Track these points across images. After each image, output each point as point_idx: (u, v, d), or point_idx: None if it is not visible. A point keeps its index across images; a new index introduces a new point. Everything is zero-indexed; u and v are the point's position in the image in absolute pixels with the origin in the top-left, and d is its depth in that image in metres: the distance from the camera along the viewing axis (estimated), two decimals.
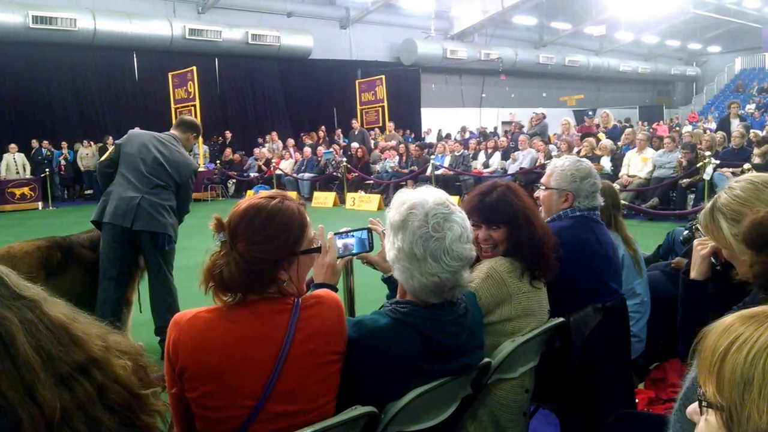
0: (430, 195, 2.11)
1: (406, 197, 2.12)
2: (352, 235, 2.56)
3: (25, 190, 17.93)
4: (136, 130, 5.52)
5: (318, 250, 2.09)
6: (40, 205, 17.96)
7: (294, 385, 1.87)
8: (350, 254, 2.56)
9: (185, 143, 5.54)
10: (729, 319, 1.12)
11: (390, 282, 2.56)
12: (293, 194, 2.22)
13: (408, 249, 2.03)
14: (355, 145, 18.21)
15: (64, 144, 19.99)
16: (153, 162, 5.15)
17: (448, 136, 24.14)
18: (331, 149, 19.73)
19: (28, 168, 18.84)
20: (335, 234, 2.51)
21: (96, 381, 1.38)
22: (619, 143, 14.23)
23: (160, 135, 5.37)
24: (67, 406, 1.29)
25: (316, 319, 1.94)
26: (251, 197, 2.02)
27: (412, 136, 26.55)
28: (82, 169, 19.91)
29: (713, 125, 20.08)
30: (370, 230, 2.59)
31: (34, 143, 19.56)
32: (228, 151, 21.03)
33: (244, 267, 1.88)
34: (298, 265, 1.99)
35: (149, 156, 5.16)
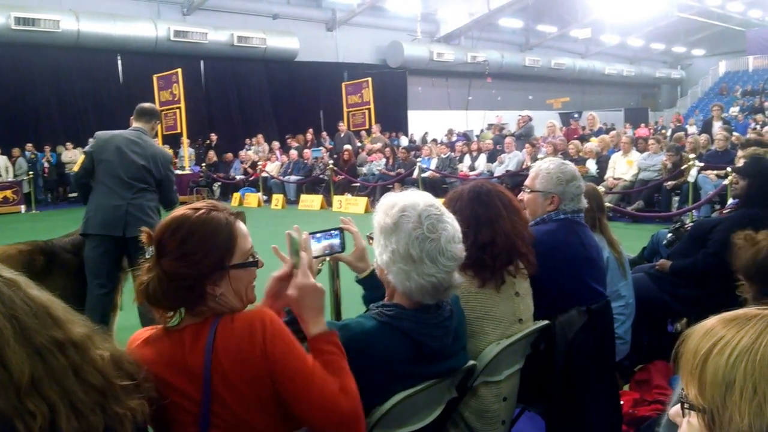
0: (419, 197, 2.11)
1: (395, 200, 2.11)
2: (323, 236, 2.53)
3: (8, 193, 17.72)
4: (104, 133, 5.31)
5: (254, 264, 1.94)
6: (22, 208, 17.80)
7: (230, 417, 1.77)
8: (323, 255, 2.53)
9: (150, 132, 5.44)
10: (710, 321, 1.13)
11: (364, 283, 2.55)
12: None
13: (404, 251, 2.02)
14: (348, 147, 18.15)
15: (47, 148, 19.84)
16: (132, 166, 5.07)
17: (434, 140, 24.11)
18: (321, 149, 19.70)
19: (11, 170, 18.67)
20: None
21: (72, 359, 1.42)
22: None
23: (129, 133, 5.24)
24: (39, 375, 1.34)
25: (225, 343, 1.78)
26: (178, 209, 1.92)
27: (401, 137, 26.56)
28: (66, 171, 19.71)
29: (694, 129, 20.21)
30: (342, 230, 2.57)
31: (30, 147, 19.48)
32: (211, 153, 20.94)
33: (167, 283, 1.79)
34: (229, 279, 1.86)
35: (127, 160, 5.07)
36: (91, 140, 5.13)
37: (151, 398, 1.65)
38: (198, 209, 1.88)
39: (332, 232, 2.51)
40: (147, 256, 1.87)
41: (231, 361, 1.76)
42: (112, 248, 5.00)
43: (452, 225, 2.09)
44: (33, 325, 1.39)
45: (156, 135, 5.63)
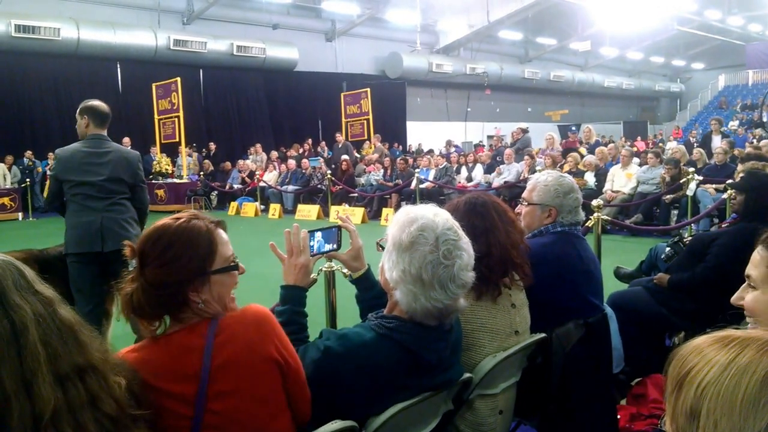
0: (438, 217, 2.06)
1: (414, 216, 2.07)
2: (321, 233, 2.52)
3: (5, 200, 17.70)
4: (64, 150, 5.02)
5: (234, 268, 1.97)
6: (20, 216, 17.76)
7: (227, 421, 1.79)
8: (320, 253, 2.52)
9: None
10: (697, 341, 1.11)
11: (358, 283, 2.55)
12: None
13: (416, 273, 1.99)
14: (346, 157, 18.14)
15: (50, 155, 19.77)
16: (101, 181, 4.88)
17: (430, 150, 24.13)
18: (318, 158, 19.70)
19: (9, 178, 18.64)
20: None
21: (90, 388, 1.40)
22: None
23: (87, 145, 4.97)
24: (58, 407, 1.31)
25: (231, 345, 1.84)
26: (160, 219, 1.95)
27: (400, 148, 26.57)
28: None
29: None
30: (339, 228, 2.55)
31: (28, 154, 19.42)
32: (207, 163, 20.91)
33: (151, 291, 1.82)
34: (211, 284, 1.89)
35: (94, 176, 4.88)
36: (52, 160, 5.00)
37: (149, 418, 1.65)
38: (179, 218, 1.92)
39: (330, 230, 2.51)
40: (130, 269, 1.90)
41: (237, 356, 1.82)
42: (92, 264, 4.88)
43: (467, 252, 2.06)
44: (61, 352, 1.37)
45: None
